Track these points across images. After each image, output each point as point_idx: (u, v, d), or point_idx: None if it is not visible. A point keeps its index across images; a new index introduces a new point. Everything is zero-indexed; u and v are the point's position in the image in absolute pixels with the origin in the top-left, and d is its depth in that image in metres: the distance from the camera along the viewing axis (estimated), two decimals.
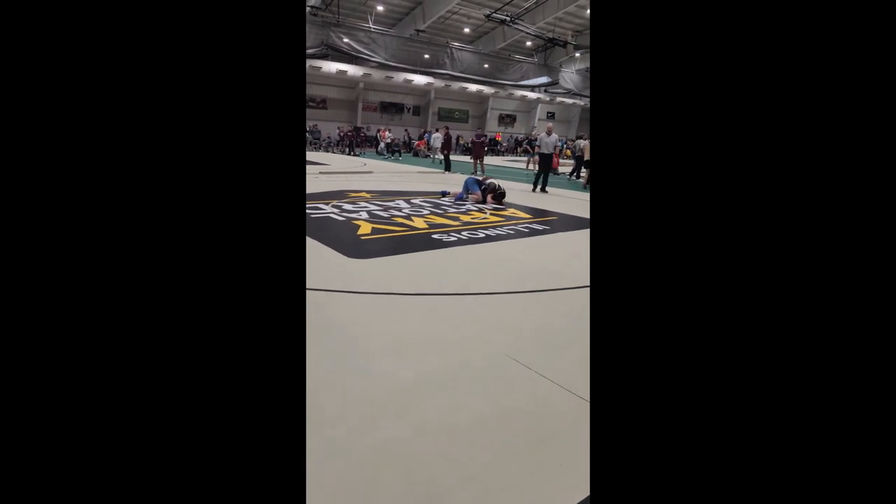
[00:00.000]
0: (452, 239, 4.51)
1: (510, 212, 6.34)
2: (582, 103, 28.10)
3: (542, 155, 8.76)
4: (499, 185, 7.16)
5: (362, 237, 4.42)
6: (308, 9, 16.82)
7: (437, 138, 15.82)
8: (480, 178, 7.55)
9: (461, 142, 22.04)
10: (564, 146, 18.21)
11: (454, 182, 9.59)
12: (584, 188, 10.01)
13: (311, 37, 17.45)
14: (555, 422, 1.67)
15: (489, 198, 7.01)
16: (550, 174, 9.44)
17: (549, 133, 8.85)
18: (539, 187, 8.74)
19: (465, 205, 6.72)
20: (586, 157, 10.94)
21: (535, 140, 15.89)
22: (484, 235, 4.74)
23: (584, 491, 1.34)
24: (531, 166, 14.45)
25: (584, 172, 11.00)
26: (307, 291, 2.69)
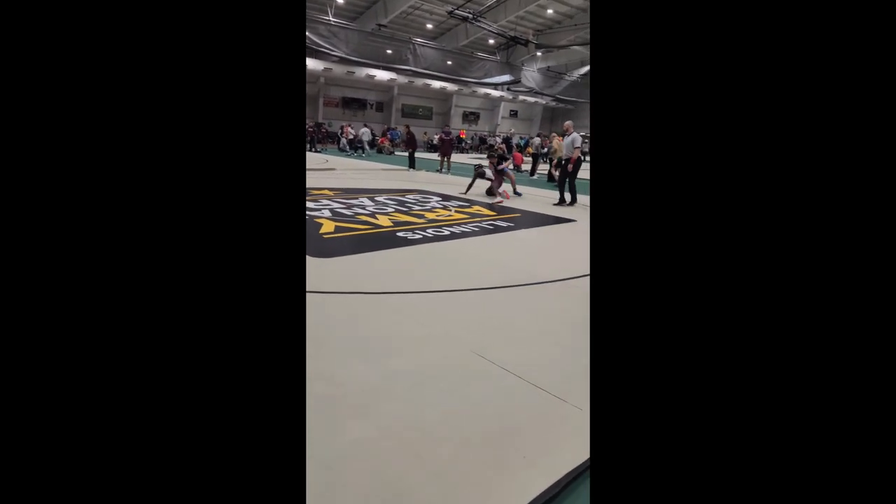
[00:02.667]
0: (418, 236, 4.51)
1: (475, 209, 6.39)
2: (543, 102, 28.60)
3: (566, 160, 7.30)
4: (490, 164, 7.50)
5: (325, 236, 4.35)
6: None
7: (365, 132, 15.88)
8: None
9: (425, 138, 22.00)
10: (526, 144, 18.56)
11: (420, 180, 9.58)
12: (547, 182, 10.13)
13: None
14: (519, 415, 1.72)
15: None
16: (514, 170, 9.33)
17: (569, 131, 7.39)
18: (568, 198, 7.33)
19: (430, 202, 6.73)
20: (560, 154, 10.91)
21: (512, 139, 15.94)
22: (449, 233, 4.77)
23: (549, 480, 1.39)
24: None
25: (545, 168, 11.02)
26: None
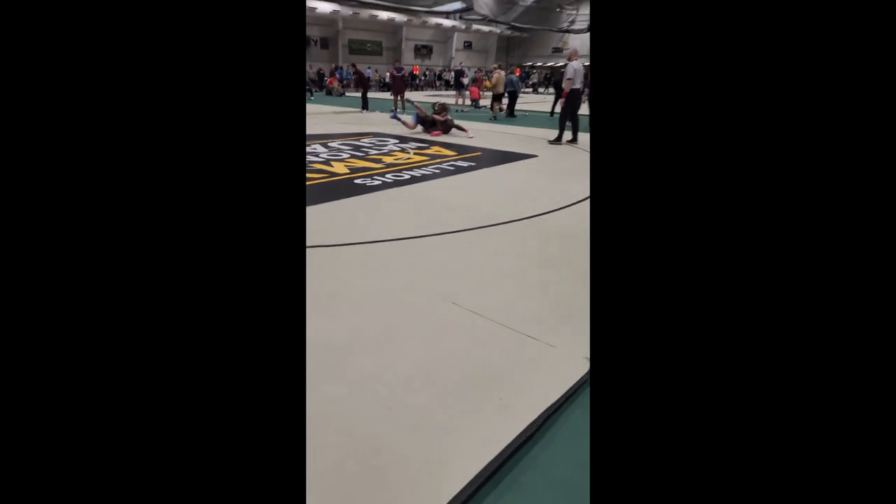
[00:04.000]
0: (377, 183, 4.33)
1: (434, 150, 6.18)
2: (498, 31, 27.39)
3: (572, 91, 6.52)
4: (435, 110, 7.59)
5: None
6: None
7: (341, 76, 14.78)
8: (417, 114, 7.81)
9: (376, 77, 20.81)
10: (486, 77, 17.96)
11: (375, 121, 9.14)
12: (491, 120, 9.94)
13: None
14: (494, 360, 1.71)
15: (439, 117, 7.48)
16: (472, 106, 9.02)
17: (572, 58, 6.60)
18: (569, 135, 6.95)
19: (387, 145, 6.45)
20: (500, 89, 10.64)
21: (465, 74, 15.33)
22: (409, 177, 4.61)
23: (523, 423, 1.40)
24: (460, 101, 14.07)
25: (496, 104, 10.79)
26: None
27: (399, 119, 8.26)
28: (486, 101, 13.12)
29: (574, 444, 1.36)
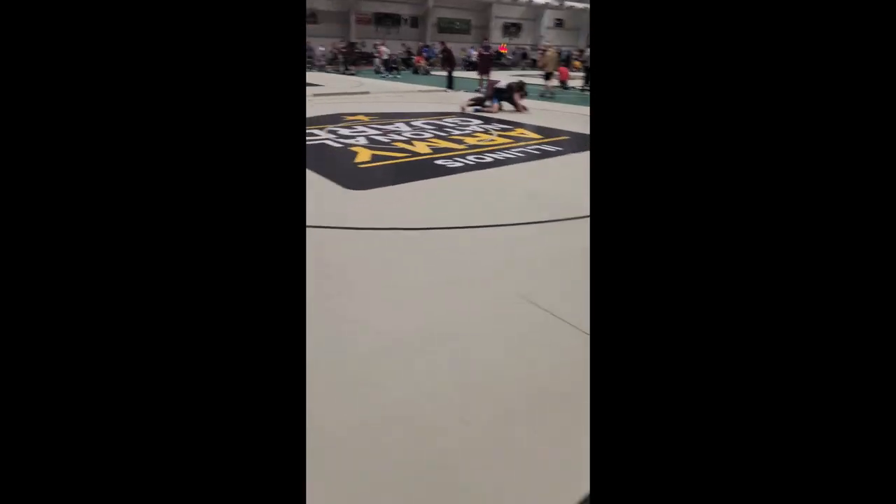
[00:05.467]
0: (458, 164, 4.20)
1: (518, 132, 5.91)
2: None
3: None
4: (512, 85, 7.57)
5: (360, 165, 4.12)
6: None
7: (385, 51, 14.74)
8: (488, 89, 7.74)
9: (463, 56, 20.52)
10: (571, 57, 16.98)
11: (460, 101, 8.98)
12: (546, 98, 9.86)
13: None
14: (574, 373, 1.52)
15: (517, 96, 7.45)
16: (560, 88, 8.81)
17: None
18: None
19: (469, 125, 6.29)
20: (550, 68, 10.98)
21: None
22: (492, 160, 4.42)
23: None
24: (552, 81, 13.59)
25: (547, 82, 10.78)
26: None
27: (482, 106, 7.83)
28: (573, 83, 12.42)
29: None
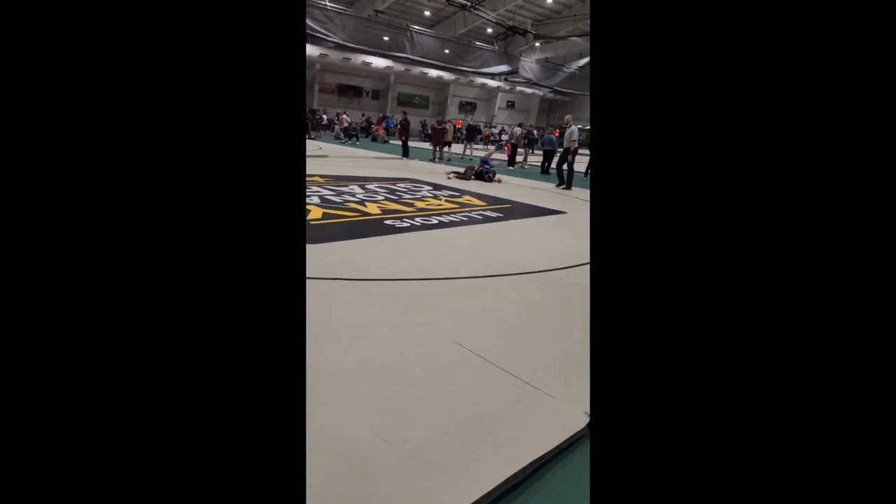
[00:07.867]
0: (405, 225, 4.49)
1: (465, 199, 6.37)
2: (541, 93, 28.44)
3: (565, 150, 8.58)
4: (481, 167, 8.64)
5: (312, 222, 4.32)
6: None
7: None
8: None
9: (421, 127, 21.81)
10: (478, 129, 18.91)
11: (413, 168, 9.52)
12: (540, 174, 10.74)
13: None
14: (491, 402, 1.72)
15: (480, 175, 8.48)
16: (506, 164, 9.74)
17: (567, 124, 8.77)
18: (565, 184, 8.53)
19: (420, 191, 6.70)
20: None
21: (535, 133, 16.25)
22: (437, 222, 4.75)
23: (515, 467, 1.39)
24: (468, 152, 14.77)
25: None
26: None
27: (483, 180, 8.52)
28: (520, 159, 13.47)
29: (569, 499, 1.33)
